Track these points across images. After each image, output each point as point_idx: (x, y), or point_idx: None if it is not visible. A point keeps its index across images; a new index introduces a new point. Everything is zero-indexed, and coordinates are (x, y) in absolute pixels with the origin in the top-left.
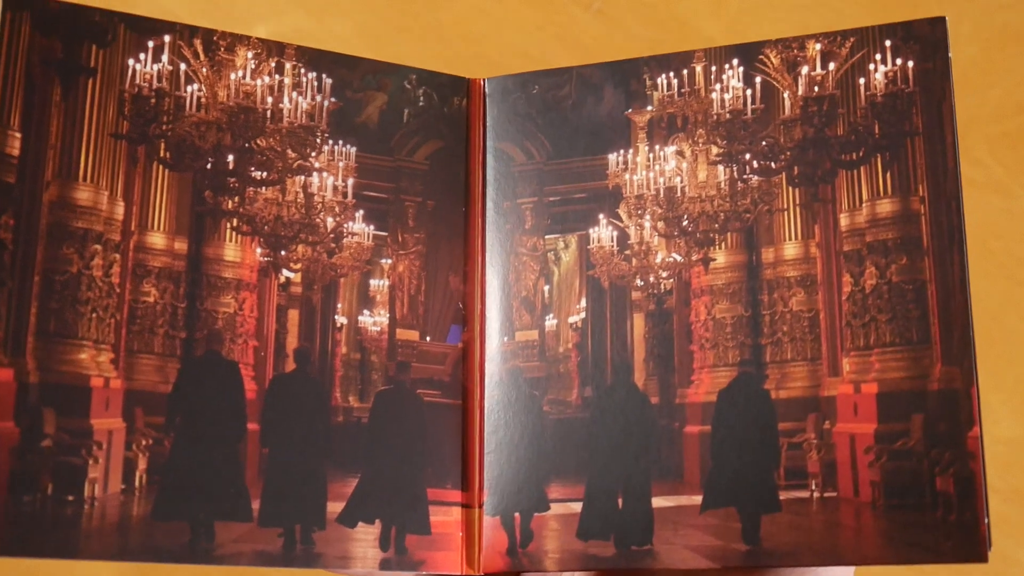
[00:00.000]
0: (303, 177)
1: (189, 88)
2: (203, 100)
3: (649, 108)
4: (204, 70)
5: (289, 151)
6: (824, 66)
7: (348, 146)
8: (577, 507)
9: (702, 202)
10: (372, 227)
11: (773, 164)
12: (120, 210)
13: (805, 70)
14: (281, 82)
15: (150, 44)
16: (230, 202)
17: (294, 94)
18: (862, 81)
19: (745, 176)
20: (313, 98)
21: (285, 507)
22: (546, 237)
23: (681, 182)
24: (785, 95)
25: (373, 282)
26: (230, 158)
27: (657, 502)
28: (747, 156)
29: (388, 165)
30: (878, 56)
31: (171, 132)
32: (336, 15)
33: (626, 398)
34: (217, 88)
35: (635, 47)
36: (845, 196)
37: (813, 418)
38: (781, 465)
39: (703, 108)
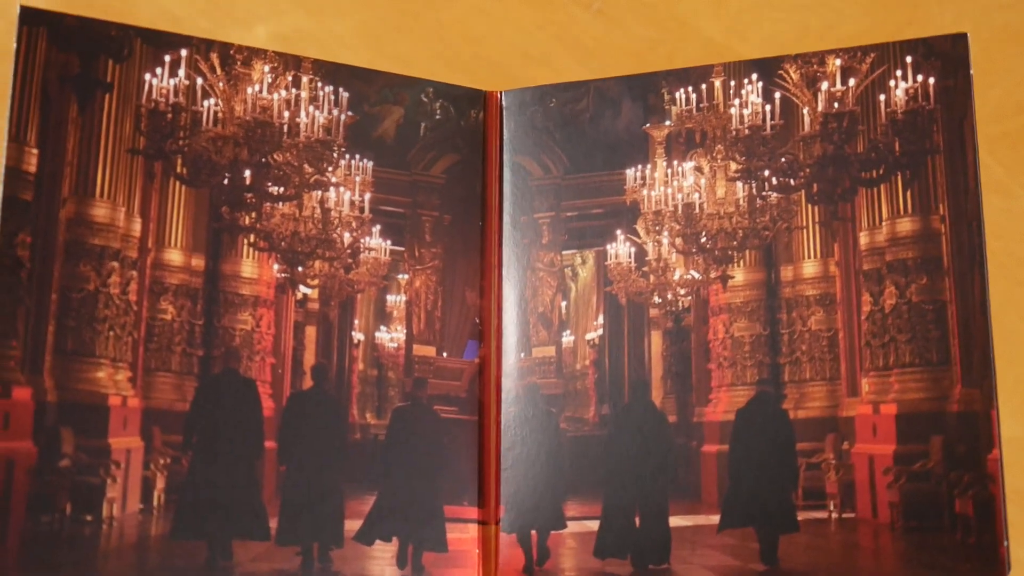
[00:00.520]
0: (320, 192)
1: (206, 103)
2: (220, 115)
3: (667, 123)
4: (221, 84)
5: (306, 166)
6: (844, 82)
7: (365, 160)
8: (594, 525)
9: (720, 219)
10: (389, 242)
11: (792, 181)
12: (137, 227)
13: (825, 86)
14: (298, 96)
15: (167, 58)
16: (247, 218)
17: (311, 108)
18: (882, 98)
19: (764, 193)
20: (330, 112)
21: (303, 525)
22: (563, 252)
23: (699, 198)
24: (805, 111)
25: (390, 298)
26: (247, 173)
27: (674, 521)
28: (766, 172)
29: (405, 179)
30: (899, 72)
31: (188, 147)
32: (336, 15)
33: (643, 416)
34: (234, 102)
35: (635, 47)
36: (865, 214)
37: (832, 438)
38: (799, 485)
39: (722, 123)
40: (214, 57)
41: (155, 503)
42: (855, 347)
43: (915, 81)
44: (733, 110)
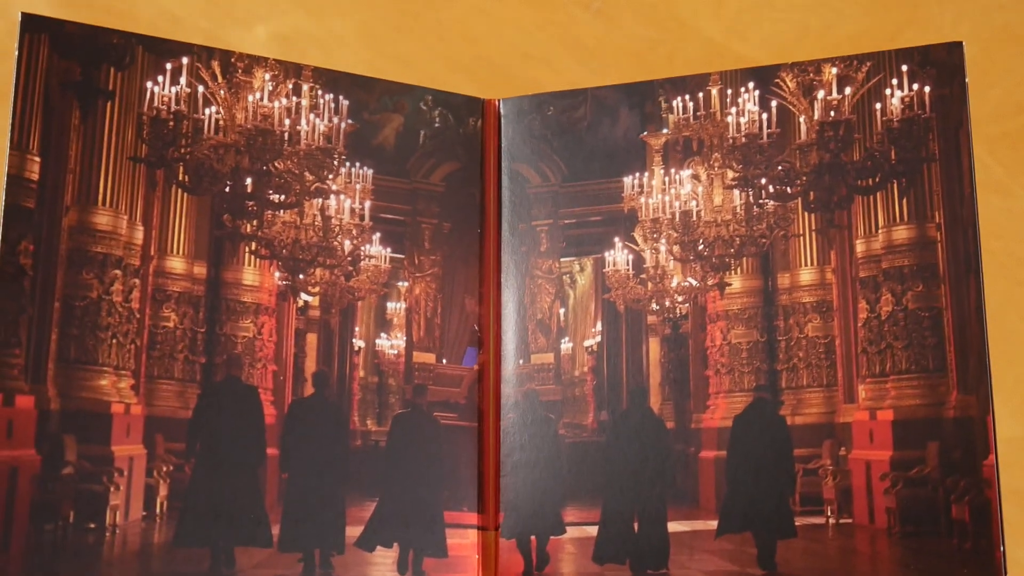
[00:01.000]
0: (321, 200)
1: (207, 110)
2: (221, 122)
3: (665, 131)
4: (222, 92)
5: (307, 173)
6: (840, 90)
7: (365, 168)
8: (593, 530)
9: (718, 226)
10: (389, 250)
11: (789, 189)
12: (139, 234)
13: (821, 94)
14: (298, 104)
15: (168, 66)
16: (248, 225)
17: (311, 116)
18: (878, 106)
19: (761, 201)
20: (330, 120)
21: (304, 532)
22: (561, 260)
23: (697, 206)
24: (801, 119)
25: (390, 305)
26: (248, 181)
27: (673, 526)
28: (763, 181)
29: (405, 187)
30: (894, 81)
31: (189, 155)
32: (336, 15)
33: (642, 422)
34: (235, 110)
35: (635, 47)
36: (861, 222)
37: (829, 444)
38: (797, 491)
39: (719, 131)
40: (215, 65)
41: (158, 510)
42: (852, 354)
43: (911, 90)
44: (730, 118)
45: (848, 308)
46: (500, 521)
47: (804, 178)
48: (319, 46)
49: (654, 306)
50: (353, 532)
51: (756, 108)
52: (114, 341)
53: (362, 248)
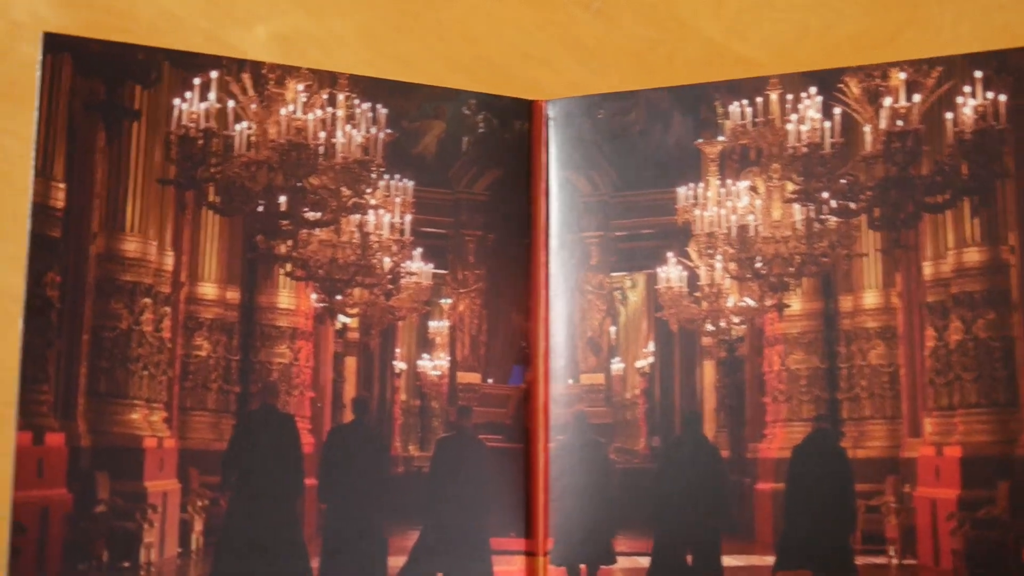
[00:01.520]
0: (359, 216)
1: (238, 126)
2: (253, 139)
3: (720, 138)
4: (253, 106)
5: (343, 188)
6: (908, 98)
7: (405, 180)
8: (644, 562)
9: (776, 243)
10: (431, 265)
11: (853, 204)
12: (169, 260)
13: (888, 101)
14: (334, 115)
15: (196, 81)
16: (283, 246)
17: (347, 127)
18: (949, 116)
19: (822, 216)
20: (368, 130)
21: (345, 564)
22: (612, 274)
23: (754, 220)
24: (866, 129)
25: (432, 324)
26: (282, 199)
27: (727, 560)
28: (825, 195)
29: (447, 198)
30: (967, 88)
31: (220, 174)
32: (336, 15)
33: (695, 450)
34: (267, 124)
35: (635, 47)
36: (929, 242)
37: (892, 480)
38: (858, 528)
39: (778, 140)
40: (246, 78)
41: (193, 546)
42: (918, 384)
43: (985, 98)
44: (790, 126)
45: (914, 335)
46: (549, 547)
47: (869, 193)
48: (319, 46)
49: (709, 327)
50: (396, 562)
51: (818, 115)
52: (145, 373)
53: (403, 265)
